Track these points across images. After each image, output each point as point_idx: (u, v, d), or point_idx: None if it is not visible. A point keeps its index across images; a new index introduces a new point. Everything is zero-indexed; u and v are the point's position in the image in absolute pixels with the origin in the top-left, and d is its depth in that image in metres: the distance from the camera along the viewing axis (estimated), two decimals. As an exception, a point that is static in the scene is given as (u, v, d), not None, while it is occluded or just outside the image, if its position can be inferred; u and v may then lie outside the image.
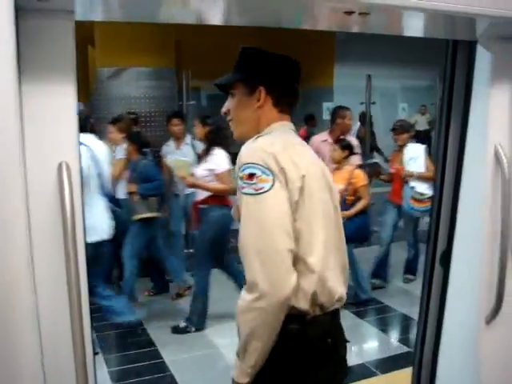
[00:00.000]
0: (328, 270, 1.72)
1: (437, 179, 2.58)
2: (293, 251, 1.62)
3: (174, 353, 4.57)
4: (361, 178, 5.27)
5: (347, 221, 4.67)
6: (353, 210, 5.16)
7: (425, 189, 5.49)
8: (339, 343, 1.83)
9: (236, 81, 1.89)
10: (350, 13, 1.67)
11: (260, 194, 1.60)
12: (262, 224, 1.59)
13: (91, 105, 7.22)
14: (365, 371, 4.18)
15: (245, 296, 1.62)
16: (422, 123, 14.51)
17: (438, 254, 2.59)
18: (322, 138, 5.89)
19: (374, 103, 9.35)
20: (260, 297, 1.58)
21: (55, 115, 1.50)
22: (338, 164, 5.27)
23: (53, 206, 1.47)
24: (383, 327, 5.23)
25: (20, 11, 1.36)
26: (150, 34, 6.11)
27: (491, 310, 2.27)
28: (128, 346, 4.73)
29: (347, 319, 1.99)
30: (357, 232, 5.00)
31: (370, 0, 1.57)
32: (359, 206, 5.23)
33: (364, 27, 2.00)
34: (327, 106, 8.85)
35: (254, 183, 1.60)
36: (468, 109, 2.34)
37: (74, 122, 1.53)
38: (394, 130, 5.89)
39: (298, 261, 1.66)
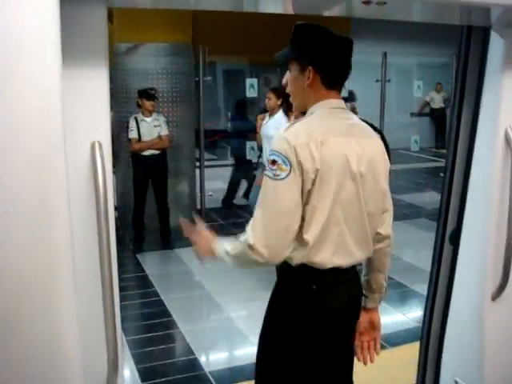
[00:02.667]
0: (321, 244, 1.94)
1: (448, 159, 2.65)
2: (293, 231, 1.88)
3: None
4: None
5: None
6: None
7: None
8: (329, 291, 2.01)
9: (289, 58, 2.03)
10: (367, 2, 1.74)
11: (276, 179, 1.85)
12: (271, 204, 1.87)
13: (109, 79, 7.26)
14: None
15: (244, 238, 1.90)
16: (437, 101, 14.44)
17: (447, 233, 2.67)
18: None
19: (389, 81, 9.32)
20: (253, 251, 1.86)
21: (88, 97, 1.59)
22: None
23: (86, 183, 1.57)
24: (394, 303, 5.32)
25: None
26: (167, 9, 6.13)
27: (497, 288, 2.36)
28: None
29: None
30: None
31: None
32: None
33: (380, 14, 2.06)
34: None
35: (274, 169, 1.85)
36: (480, 92, 2.40)
37: (106, 103, 1.63)
38: None
39: (297, 236, 1.91)
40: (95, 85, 1.61)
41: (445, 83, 13.45)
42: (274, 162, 1.85)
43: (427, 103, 14.66)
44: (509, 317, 2.46)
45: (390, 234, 2.17)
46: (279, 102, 5.65)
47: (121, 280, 1.84)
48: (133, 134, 6.36)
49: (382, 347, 4.20)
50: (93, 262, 1.56)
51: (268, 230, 1.86)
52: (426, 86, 11.60)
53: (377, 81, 9.20)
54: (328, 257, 1.95)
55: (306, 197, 1.88)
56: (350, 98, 10.14)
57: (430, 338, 2.82)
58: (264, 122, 5.95)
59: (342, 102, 2.07)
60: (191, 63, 7.28)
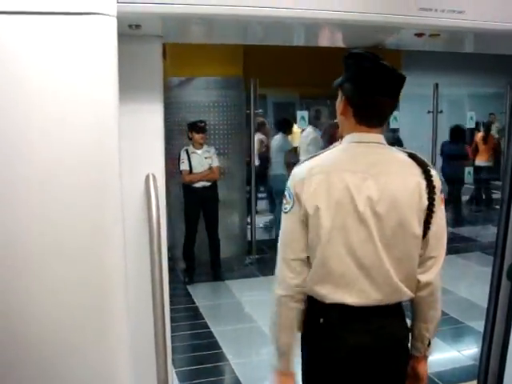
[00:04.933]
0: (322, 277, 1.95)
1: (504, 191, 2.58)
2: (300, 259, 1.95)
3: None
4: None
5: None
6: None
7: None
8: (339, 327, 1.96)
9: (336, 84, 2.01)
10: (420, 35, 1.73)
11: (285, 212, 1.96)
12: (282, 236, 2.00)
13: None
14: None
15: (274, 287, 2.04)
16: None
17: (505, 268, 2.59)
18: None
19: (441, 112, 9.21)
20: (277, 286, 2.01)
21: (144, 130, 1.63)
22: None
23: (140, 214, 1.60)
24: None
25: None
26: (219, 43, 6.24)
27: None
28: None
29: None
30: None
31: (441, 22, 1.64)
32: None
33: (433, 46, 2.05)
34: (394, 116, 8.75)
35: (284, 202, 1.97)
36: (537, 122, 2.35)
37: (160, 136, 1.67)
38: None
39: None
40: (150, 118, 1.64)
41: (498, 114, 13.20)
42: (285, 196, 1.97)
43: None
44: None
45: (433, 282, 2.01)
46: None
47: (171, 311, 1.85)
48: (184, 166, 6.44)
49: (437, 385, 4.14)
50: (145, 292, 1.57)
51: (280, 259, 1.98)
52: (478, 116, 11.43)
53: (428, 112, 9.10)
54: (327, 291, 1.93)
55: (308, 226, 1.93)
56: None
57: (488, 376, 2.73)
58: None
59: (379, 136, 1.97)
60: (242, 96, 7.36)
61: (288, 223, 1.96)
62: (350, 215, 1.88)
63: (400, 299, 2.00)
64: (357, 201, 1.86)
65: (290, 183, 1.96)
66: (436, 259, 2.01)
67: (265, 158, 9.14)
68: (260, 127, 9.68)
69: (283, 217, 1.98)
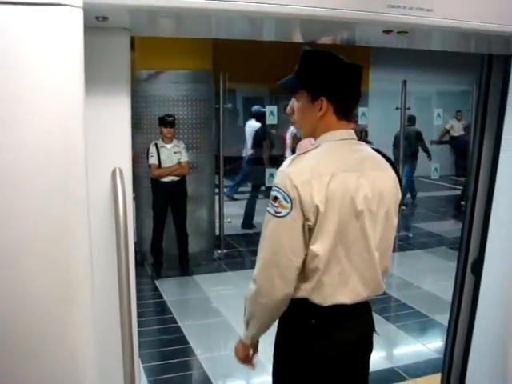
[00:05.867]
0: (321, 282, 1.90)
1: (469, 188, 2.63)
2: (295, 268, 1.85)
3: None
4: None
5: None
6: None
7: None
8: (331, 326, 1.95)
9: (299, 88, 1.96)
10: (388, 32, 1.74)
11: (278, 217, 1.82)
12: (274, 242, 1.86)
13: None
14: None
15: (250, 286, 1.94)
16: (457, 129, 14.38)
17: (469, 262, 2.64)
18: (311, 141, 6.24)
19: (408, 109, 9.31)
20: (259, 293, 1.90)
21: (110, 124, 1.61)
22: None
23: (107, 208, 1.58)
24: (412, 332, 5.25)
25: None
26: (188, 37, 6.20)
27: (521, 319, 2.32)
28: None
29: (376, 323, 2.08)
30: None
31: (409, 20, 1.65)
32: None
33: (401, 43, 2.07)
34: (362, 111, 8.83)
35: (275, 206, 1.82)
36: (502, 120, 2.39)
37: (127, 130, 1.65)
38: None
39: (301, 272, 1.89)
40: (117, 112, 1.62)
41: (465, 111, 13.41)
42: (275, 199, 1.83)
43: (447, 131, 14.60)
44: (533, 349, 2.40)
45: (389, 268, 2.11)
46: None
47: (139, 306, 1.84)
48: (153, 160, 6.41)
49: (403, 378, 4.19)
50: (112, 287, 1.56)
51: (269, 266, 1.85)
52: (445, 113, 11.60)
53: (397, 108, 9.19)
54: (328, 295, 1.90)
55: (310, 230, 1.84)
56: (413, 123, 10.21)
57: (452, 369, 2.77)
58: None
59: (352, 132, 2.00)
60: (211, 90, 7.33)
61: (283, 228, 1.82)
62: (350, 216, 1.87)
63: (379, 293, 2.05)
64: (356, 201, 1.87)
65: (284, 184, 1.81)
66: (391, 248, 2.10)
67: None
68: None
69: (274, 220, 1.83)
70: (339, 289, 1.91)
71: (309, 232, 1.83)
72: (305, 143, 6.50)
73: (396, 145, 9.76)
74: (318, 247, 1.84)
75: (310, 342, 1.94)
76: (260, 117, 9.06)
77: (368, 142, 2.18)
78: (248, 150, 9.78)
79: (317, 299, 1.90)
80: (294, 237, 1.82)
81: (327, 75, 1.91)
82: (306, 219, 1.81)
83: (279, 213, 1.81)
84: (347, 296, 1.93)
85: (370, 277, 1.96)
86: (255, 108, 9.76)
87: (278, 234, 1.84)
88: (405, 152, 9.36)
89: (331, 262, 1.87)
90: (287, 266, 1.84)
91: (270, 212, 1.85)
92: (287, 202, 1.80)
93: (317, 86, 1.91)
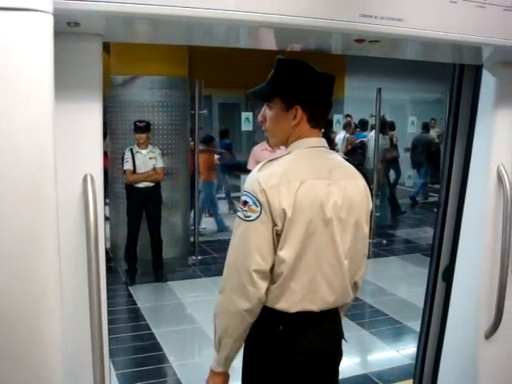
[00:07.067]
0: (287, 290, 1.90)
1: (441, 196, 2.66)
2: (263, 272, 1.85)
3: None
4: None
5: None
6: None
7: None
8: (298, 333, 1.94)
9: (273, 96, 1.95)
10: (360, 41, 1.76)
11: (247, 221, 1.83)
12: (243, 246, 1.85)
13: (104, 110, 7.27)
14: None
15: (219, 299, 1.92)
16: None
17: (440, 269, 2.67)
18: (262, 147, 6.56)
19: (383, 116, 9.41)
20: (230, 302, 1.87)
21: (81, 130, 1.60)
22: None
23: (77, 215, 1.57)
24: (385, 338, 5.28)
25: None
26: (163, 44, 6.18)
27: (491, 326, 2.34)
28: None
29: (350, 329, 2.06)
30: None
31: (380, 30, 1.67)
32: None
33: (374, 52, 2.08)
34: (337, 119, 8.91)
35: (245, 210, 1.84)
36: (473, 129, 2.42)
37: (99, 136, 1.63)
38: None
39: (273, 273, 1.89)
40: (88, 118, 1.61)
41: (438, 119, 13.59)
42: (245, 203, 1.84)
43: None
44: (503, 356, 2.43)
45: (360, 282, 2.12)
46: None
47: (112, 312, 1.82)
48: (128, 166, 6.37)
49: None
50: (82, 294, 1.54)
51: (239, 271, 1.84)
52: (420, 121, 11.75)
53: (371, 116, 9.28)
54: (294, 303, 1.90)
55: (278, 234, 1.84)
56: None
57: (424, 375, 2.80)
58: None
59: (324, 140, 2.01)
60: (187, 96, 7.32)
61: (252, 232, 1.82)
62: (318, 222, 1.87)
63: (346, 301, 2.05)
64: (325, 208, 1.87)
65: (253, 189, 1.83)
66: (365, 256, 2.10)
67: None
68: (346, 126, 10.70)
69: (243, 225, 1.83)
70: (308, 296, 1.91)
71: (277, 237, 1.84)
72: (257, 149, 6.61)
73: (414, 149, 10.22)
74: (285, 253, 1.84)
75: (277, 348, 1.93)
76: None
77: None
78: None
79: (283, 305, 1.90)
80: (262, 241, 1.83)
81: (302, 84, 1.93)
82: (274, 224, 1.82)
83: (248, 217, 1.82)
84: (315, 304, 1.93)
85: (337, 285, 1.96)
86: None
87: (247, 238, 1.83)
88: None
89: (300, 269, 1.87)
90: (255, 269, 1.82)
91: (239, 217, 1.86)
92: (256, 206, 1.81)
93: (292, 94, 1.91)
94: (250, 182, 1.86)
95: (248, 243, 1.83)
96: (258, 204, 1.81)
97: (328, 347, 2.04)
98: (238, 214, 1.87)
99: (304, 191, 1.83)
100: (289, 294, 1.89)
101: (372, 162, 9.18)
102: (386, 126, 10.03)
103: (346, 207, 1.93)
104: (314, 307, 1.93)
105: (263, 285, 1.85)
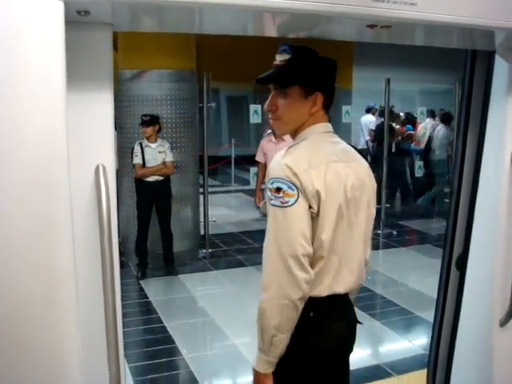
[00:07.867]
0: (322, 274, 1.90)
1: (454, 184, 2.63)
2: (310, 255, 1.83)
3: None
4: None
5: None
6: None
7: None
8: (326, 318, 1.94)
9: (292, 84, 1.93)
10: (372, 26, 1.74)
11: (285, 207, 1.79)
12: (286, 233, 1.80)
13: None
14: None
15: (262, 298, 1.84)
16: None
17: (454, 258, 2.65)
18: (268, 139, 6.54)
19: (392, 107, 9.37)
20: (281, 295, 1.80)
21: (93, 121, 1.59)
22: None
23: (90, 206, 1.56)
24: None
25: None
26: (171, 36, 6.16)
27: (505, 314, 2.32)
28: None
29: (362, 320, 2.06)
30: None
31: (393, 14, 1.65)
32: None
33: (385, 38, 2.06)
34: (346, 110, 8.87)
35: (280, 197, 1.79)
36: (486, 116, 2.40)
37: (110, 126, 1.63)
38: None
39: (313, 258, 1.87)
40: (100, 108, 1.60)
41: (446, 109, 13.52)
42: (278, 190, 1.79)
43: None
44: (518, 343, 2.41)
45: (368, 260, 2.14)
46: None
47: (124, 306, 1.82)
48: (137, 160, 6.37)
49: (389, 375, 4.21)
50: (96, 287, 1.54)
51: (286, 259, 1.79)
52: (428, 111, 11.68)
53: (380, 107, 9.24)
54: (326, 286, 1.90)
55: (313, 217, 1.83)
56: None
57: (438, 365, 2.78)
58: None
59: (330, 125, 2.03)
60: (195, 89, 7.31)
61: (293, 217, 1.78)
62: (344, 205, 1.89)
63: (361, 281, 2.08)
64: (347, 189, 1.90)
65: (286, 174, 1.78)
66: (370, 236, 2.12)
67: (395, 145, 9.94)
68: (395, 119, 10.69)
69: (281, 211, 1.78)
70: (336, 278, 1.92)
71: (311, 220, 1.83)
72: (264, 142, 6.61)
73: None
74: (325, 236, 1.85)
75: (307, 336, 1.91)
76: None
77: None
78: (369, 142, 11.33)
79: (317, 291, 1.89)
80: (304, 224, 1.80)
81: (322, 70, 1.96)
82: (309, 206, 1.81)
83: (286, 202, 1.78)
84: (341, 286, 1.94)
85: (356, 266, 1.99)
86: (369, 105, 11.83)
87: (288, 224, 1.79)
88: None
89: (330, 251, 1.88)
90: (302, 253, 1.79)
91: (275, 205, 1.80)
92: (292, 190, 1.78)
93: (313, 81, 1.93)
94: (279, 169, 1.82)
95: (290, 229, 1.79)
96: (293, 188, 1.78)
97: (350, 332, 2.07)
98: (272, 202, 1.81)
99: (331, 174, 1.85)
100: (325, 278, 1.89)
101: (442, 152, 9.52)
102: (450, 118, 10.00)
103: (360, 188, 1.96)
104: (341, 289, 1.94)
105: (310, 269, 1.83)
